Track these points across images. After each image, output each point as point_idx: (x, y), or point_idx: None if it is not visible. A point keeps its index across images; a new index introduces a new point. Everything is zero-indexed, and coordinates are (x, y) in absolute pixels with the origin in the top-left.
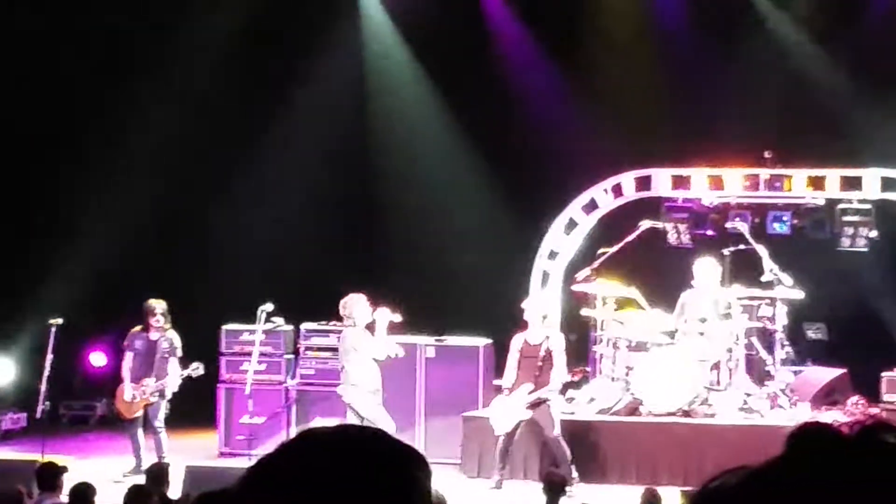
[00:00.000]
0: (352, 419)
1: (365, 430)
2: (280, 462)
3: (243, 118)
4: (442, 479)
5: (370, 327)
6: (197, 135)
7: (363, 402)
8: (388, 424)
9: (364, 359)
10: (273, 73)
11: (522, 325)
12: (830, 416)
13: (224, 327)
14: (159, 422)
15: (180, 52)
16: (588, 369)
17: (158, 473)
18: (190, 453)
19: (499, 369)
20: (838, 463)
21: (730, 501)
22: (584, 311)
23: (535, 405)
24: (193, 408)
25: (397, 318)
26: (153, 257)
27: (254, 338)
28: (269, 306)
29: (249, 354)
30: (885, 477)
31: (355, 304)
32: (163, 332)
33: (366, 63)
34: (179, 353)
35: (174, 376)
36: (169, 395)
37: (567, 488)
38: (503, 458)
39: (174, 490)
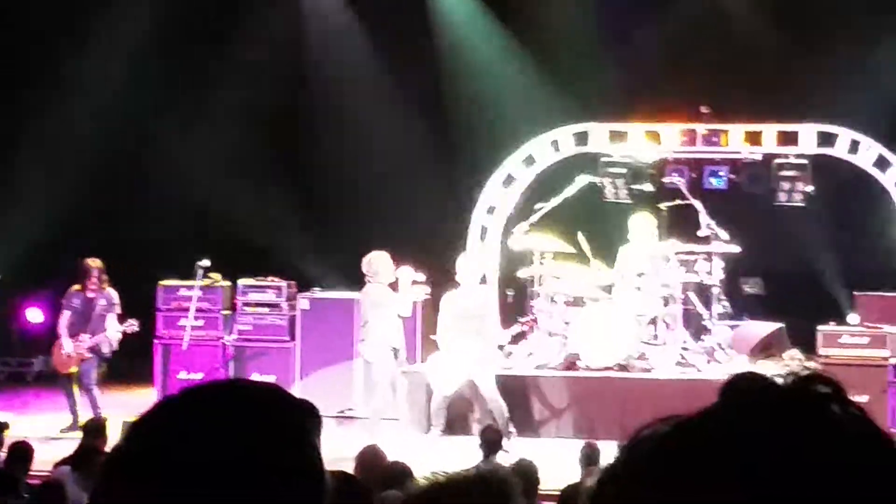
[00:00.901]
0: (361, 375)
1: (252, 384)
2: (160, 420)
3: (179, 74)
4: (378, 434)
5: (392, 286)
6: (132, 91)
7: (382, 358)
8: (392, 386)
9: (389, 314)
10: (207, 28)
11: (455, 282)
12: (767, 369)
13: (161, 283)
14: (90, 379)
15: (115, 10)
16: (535, 319)
17: (96, 428)
18: (128, 409)
19: (435, 324)
20: (769, 412)
21: (658, 449)
22: (522, 267)
23: (476, 362)
24: (131, 364)
25: (420, 276)
26: (89, 213)
27: (191, 294)
28: (206, 262)
29: (186, 310)
30: (814, 426)
31: (380, 261)
32: (100, 291)
33: (302, 17)
34: (118, 309)
35: (113, 331)
36: (108, 352)
37: (503, 443)
38: (440, 413)
39: (111, 445)
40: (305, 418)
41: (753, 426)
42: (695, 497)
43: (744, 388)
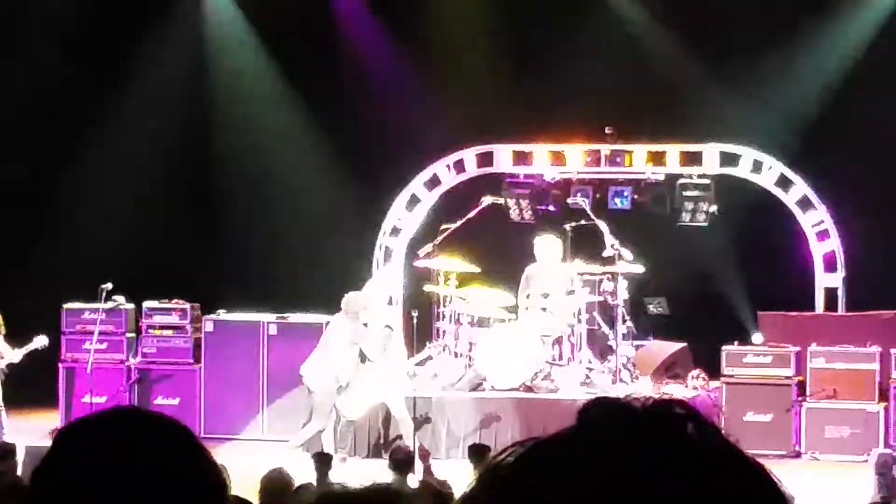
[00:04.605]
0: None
1: (134, 412)
2: (62, 453)
3: (87, 93)
4: (285, 457)
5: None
6: (39, 109)
7: (325, 390)
8: (326, 418)
9: (355, 353)
10: (116, 47)
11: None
12: (671, 389)
13: (65, 306)
14: None
15: (21, 25)
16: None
17: (3, 453)
18: (30, 434)
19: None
20: (625, 432)
21: (515, 471)
22: (427, 288)
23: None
24: (34, 388)
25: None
26: None
27: (95, 316)
28: (110, 285)
29: (91, 333)
30: (669, 444)
31: (360, 301)
32: None
33: (208, 39)
34: (3, 330)
35: (9, 352)
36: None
37: (414, 464)
38: (345, 437)
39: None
40: (198, 441)
41: (609, 446)
42: None
43: (601, 411)
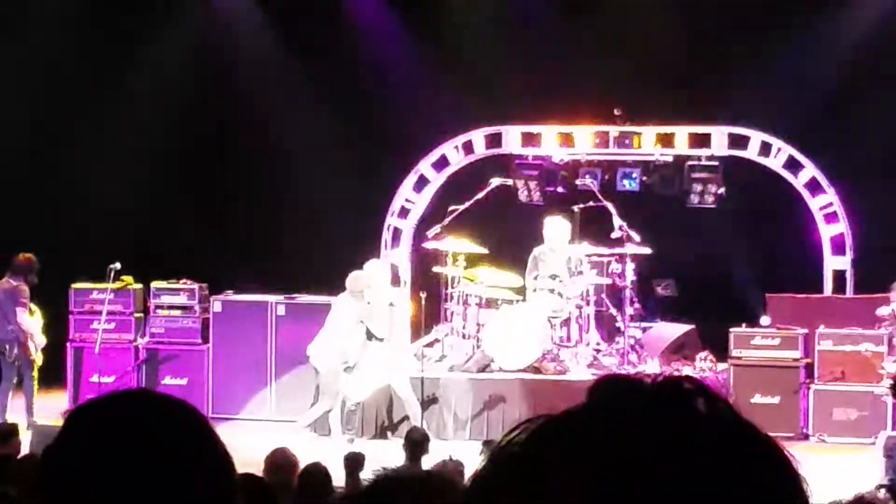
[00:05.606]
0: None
1: (144, 393)
2: (73, 434)
3: (90, 72)
4: (292, 437)
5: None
6: (41, 90)
7: (332, 370)
8: (333, 399)
9: (361, 332)
10: (120, 26)
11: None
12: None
13: (73, 286)
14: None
15: (24, 10)
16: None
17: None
18: (39, 413)
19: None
20: (636, 409)
21: (525, 449)
22: (435, 269)
23: (389, 365)
24: (42, 367)
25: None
26: None
27: (103, 297)
28: (118, 265)
29: (99, 313)
30: (681, 419)
31: (362, 280)
32: None
33: (217, 21)
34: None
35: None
36: None
37: (428, 445)
38: (351, 418)
39: (23, 450)
40: (208, 423)
41: (618, 422)
42: (562, 491)
43: (611, 388)
